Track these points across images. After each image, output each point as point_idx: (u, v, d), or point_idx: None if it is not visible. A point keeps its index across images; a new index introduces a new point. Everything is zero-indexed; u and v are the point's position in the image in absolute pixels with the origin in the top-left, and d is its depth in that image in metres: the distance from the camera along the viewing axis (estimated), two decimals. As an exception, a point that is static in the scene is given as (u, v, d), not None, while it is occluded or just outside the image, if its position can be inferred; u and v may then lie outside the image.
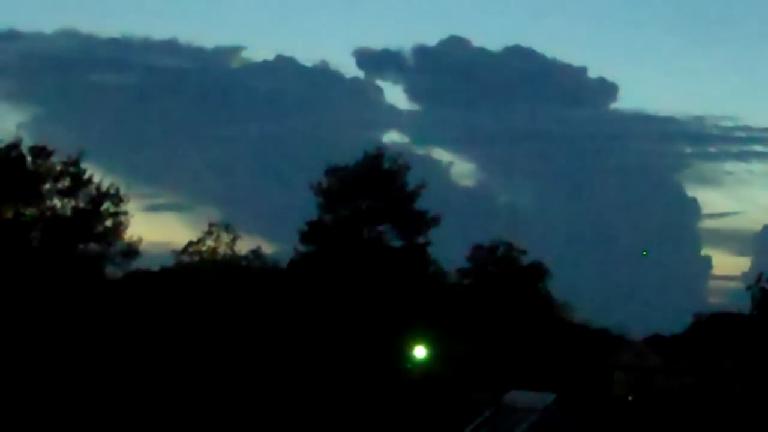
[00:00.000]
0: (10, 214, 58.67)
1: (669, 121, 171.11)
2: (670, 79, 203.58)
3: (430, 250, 71.16)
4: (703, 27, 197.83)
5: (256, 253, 72.24)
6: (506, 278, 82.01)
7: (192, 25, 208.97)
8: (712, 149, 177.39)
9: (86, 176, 60.86)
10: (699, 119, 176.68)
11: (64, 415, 48.43)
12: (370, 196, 69.64)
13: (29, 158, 59.80)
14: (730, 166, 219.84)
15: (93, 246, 61.12)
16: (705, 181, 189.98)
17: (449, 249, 75.89)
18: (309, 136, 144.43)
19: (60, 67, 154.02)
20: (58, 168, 60.31)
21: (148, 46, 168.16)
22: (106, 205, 60.96)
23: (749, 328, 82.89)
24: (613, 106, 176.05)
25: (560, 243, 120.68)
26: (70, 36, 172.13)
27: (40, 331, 53.79)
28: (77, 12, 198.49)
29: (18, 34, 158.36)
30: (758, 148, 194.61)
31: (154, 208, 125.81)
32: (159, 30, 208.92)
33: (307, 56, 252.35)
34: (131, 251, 61.60)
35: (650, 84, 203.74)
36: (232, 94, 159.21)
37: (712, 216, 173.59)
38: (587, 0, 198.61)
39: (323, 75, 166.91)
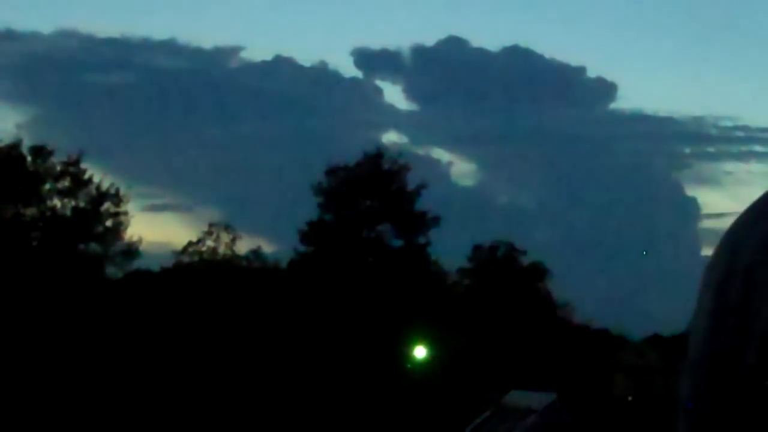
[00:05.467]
0: (10, 214, 58.67)
1: (668, 121, 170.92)
2: (669, 79, 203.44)
3: (430, 250, 71.24)
4: (702, 27, 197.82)
5: (256, 253, 72.31)
6: (506, 278, 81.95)
7: (191, 25, 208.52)
8: (711, 149, 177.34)
9: (86, 176, 60.95)
10: (698, 119, 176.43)
11: (64, 415, 48.43)
12: (370, 196, 69.64)
13: (29, 158, 59.85)
14: (729, 166, 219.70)
15: (93, 246, 61.16)
16: (704, 181, 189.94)
17: (449, 249, 75.89)
18: (308, 136, 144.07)
19: (59, 67, 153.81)
20: (58, 168, 60.37)
21: (147, 46, 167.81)
22: (106, 205, 61.02)
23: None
24: (612, 106, 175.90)
25: (560, 243, 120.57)
26: (68, 36, 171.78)
27: (40, 331, 53.79)
28: (76, 12, 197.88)
29: (16, 34, 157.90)
30: (758, 148, 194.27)
31: (154, 208, 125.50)
32: (158, 30, 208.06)
33: (305, 56, 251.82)
34: (131, 251, 61.68)
35: (649, 84, 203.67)
36: (231, 94, 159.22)
37: (711, 216, 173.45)
38: (586, 0, 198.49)
39: (322, 75, 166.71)
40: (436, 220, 70.02)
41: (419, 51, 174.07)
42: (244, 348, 59.77)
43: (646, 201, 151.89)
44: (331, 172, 69.78)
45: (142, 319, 58.24)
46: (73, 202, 60.51)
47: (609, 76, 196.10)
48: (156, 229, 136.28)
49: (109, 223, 60.98)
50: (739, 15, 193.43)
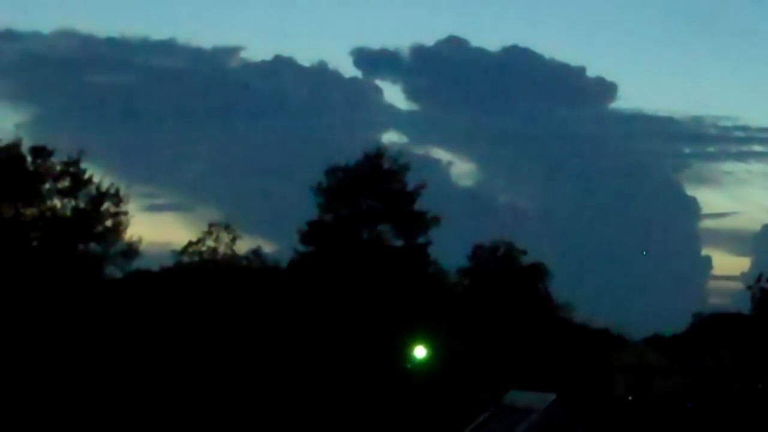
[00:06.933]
0: (10, 214, 58.65)
1: (668, 121, 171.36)
2: (668, 79, 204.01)
3: (430, 250, 71.19)
4: (702, 27, 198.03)
5: (256, 253, 72.26)
6: (506, 278, 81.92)
7: (190, 26, 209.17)
8: (711, 149, 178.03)
9: (86, 176, 60.92)
10: (698, 119, 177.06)
11: (64, 414, 48.42)
12: (370, 196, 69.62)
13: (29, 158, 59.83)
14: (729, 166, 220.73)
15: (93, 246, 61.14)
16: (704, 181, 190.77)
17: (449, 249, 75.83)
18: (308, 136, 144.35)
19: (59, 67, 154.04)
20: (58, 168, 60.33)
21: (146, 46, 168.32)
22: (106, 205, 60.98)
23: (749, 328, 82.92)
24: (612, 105, 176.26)
25: (560, 243, 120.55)
26: (68, 36, 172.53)
27: (40, 331, 53.80)
28: (75, 12, 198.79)
29: (16, 34, 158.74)
30: (757, 148, 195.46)
31: (154, 208, 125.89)
32: (157, 30, 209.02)
33: (305, 56, 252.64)
34: (131, 251, 61.62)
35: (649, 84, 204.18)
36: (230, 94, 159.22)
37: (711, 216, 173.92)
38: (586, 0, 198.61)
39: (322, 75, 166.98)
40: (436, 220, 69.98)
41: (419, 51, 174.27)
42: (244, 347, 59.78)
43: (646, 201, 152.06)
44: (331, 172, 69.77)
45: (142, 319, 58.24)
46: (73, 202, 60.51)
47: (609, 76, 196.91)
48: (156, 229, 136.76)
49: (109, 223, 60.95)
50: (739, 16, 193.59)
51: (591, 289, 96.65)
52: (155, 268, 71.45)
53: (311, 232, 69.50)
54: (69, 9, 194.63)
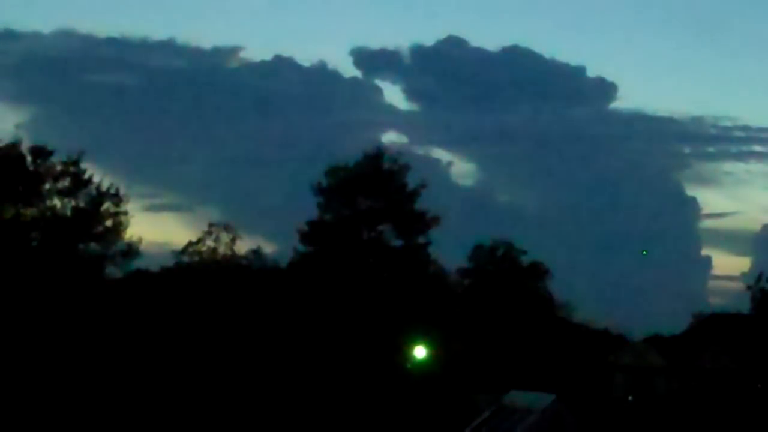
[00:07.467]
0: (10, 214, 58.66)
1: (668, 120, 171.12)
2: (668, 79, 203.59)
3: (430, 250, 71.22)
4: (702, 27, 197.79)
5: (256, 253, 72.29)
6: (506, 278, 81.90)
7: (190, 26, 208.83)
8: (711, 149, 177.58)
9: (86, 176, 60.94)
10: (698, 119, 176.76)
11: (64, 415, 48.42)
12: (370, 196, 69.64)
13: (29, 158, 59.85)
14: (729, 166, 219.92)
15: (93, 246, 61.15)
16: (704, 181, 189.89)
17: (449, 249, 75.84)
18: (308, 136, 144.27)
19: (59, 67, 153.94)
20: (58, 168, 60.35)
21: (146, 46, 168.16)
22: (106, 205, 61.01)
23: (749, 328, 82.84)
24: (612, 105, 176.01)
25: (560, 243, 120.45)
26: (68, 36, 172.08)
27: (40, 331, 53.79)
28: (75, 12, 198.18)
29: (16, 34, 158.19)
30: (757, 148, 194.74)
31: (154, 208, 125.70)
32: (157, 30, 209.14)
33: (304, 56, 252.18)
34: (131, 251, 61.65)
35: (649, 84, 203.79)
36: (230, 94, 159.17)
37: (711, 216, 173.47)
38: (586, 0, 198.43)
39: (321, 75, 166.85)
40: (436, 220, 70.00)
41: (419, 51, 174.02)
42: (244, 348, 59.77)
43: (645, 201, 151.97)
44: (331, 172, 69.79)
45: (142, 319, 58.24)
46: (73, 202, 60.54)
47: (609, 76, 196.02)
48: (156, 229, 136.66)
49: (109, 223, 60.98)
50: (739, 16, 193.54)
51: (591, 289, 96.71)
52: (155, 268, 71.53)
53: (311, 232, 69.53)
54: (69, 9, 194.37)
